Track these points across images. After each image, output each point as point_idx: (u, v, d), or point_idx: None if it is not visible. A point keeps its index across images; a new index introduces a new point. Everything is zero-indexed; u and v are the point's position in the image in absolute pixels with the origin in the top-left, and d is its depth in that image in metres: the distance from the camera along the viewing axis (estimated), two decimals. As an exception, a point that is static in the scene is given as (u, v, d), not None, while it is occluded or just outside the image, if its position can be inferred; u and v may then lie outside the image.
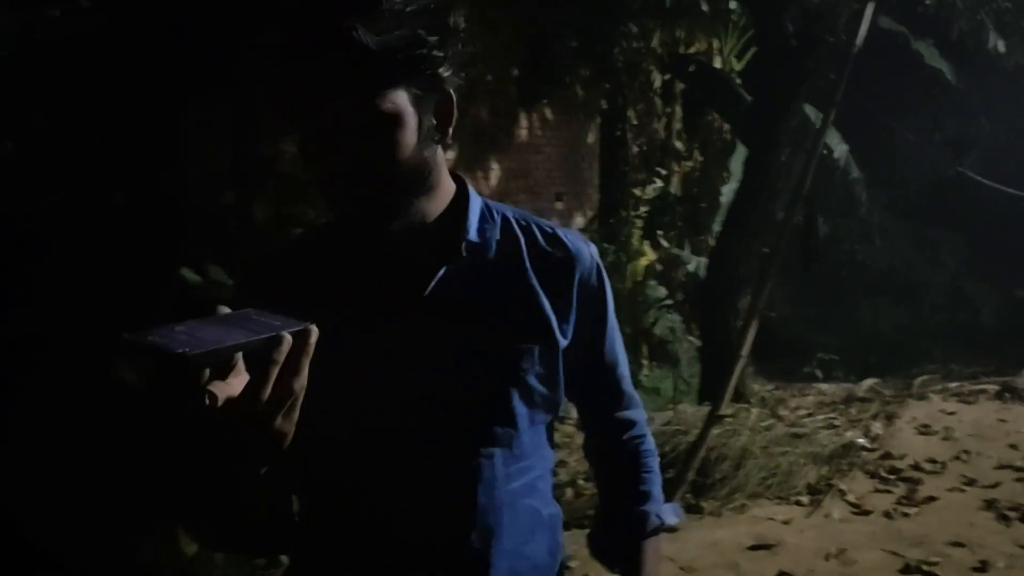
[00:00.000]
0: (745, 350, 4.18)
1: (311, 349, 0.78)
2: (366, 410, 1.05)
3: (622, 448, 1.27)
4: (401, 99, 0.97)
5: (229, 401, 0.74)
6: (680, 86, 7.28)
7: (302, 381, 0.78)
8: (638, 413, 1.29)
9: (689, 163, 7.64)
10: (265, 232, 3.79)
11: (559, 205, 6.45)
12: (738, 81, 6.73)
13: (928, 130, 10.58)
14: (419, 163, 1.00)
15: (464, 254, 1.08)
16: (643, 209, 6.80)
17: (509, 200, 5.54)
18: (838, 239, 9.75)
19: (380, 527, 1.06)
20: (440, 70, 0.99)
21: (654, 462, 1.28)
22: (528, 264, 1.12)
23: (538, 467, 1.14)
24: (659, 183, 7.13)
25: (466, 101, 4.99)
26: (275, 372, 0.75)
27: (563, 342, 1.11)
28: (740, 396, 5.05)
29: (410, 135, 0.98)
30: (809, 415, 5.41)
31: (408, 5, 0.95)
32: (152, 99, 3.86)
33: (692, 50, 7.21)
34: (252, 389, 0.75)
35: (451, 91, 1.02)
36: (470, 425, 1.07)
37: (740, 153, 6.32)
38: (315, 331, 0.78)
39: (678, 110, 7.46)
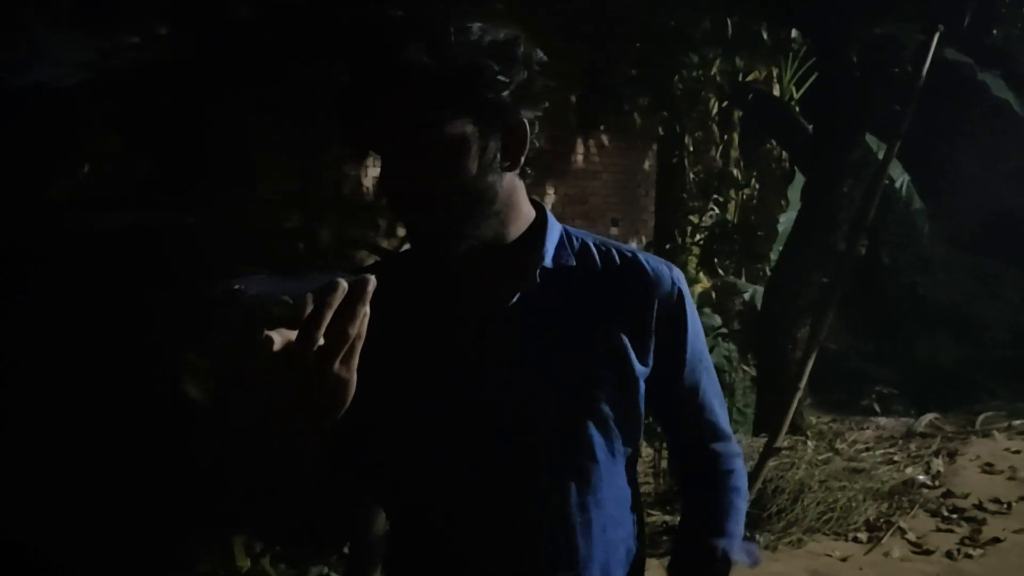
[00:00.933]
0: (803, 382, 4.12)
1: (367, 297, 0.77)
2: (441, 437, 1.05)
3: (702, 480, 1.25)
4: (463, 126, 0.98)
5: (288, 348, 0.75)
6: (738, 113, 7.24)
7: (357, 327, 0.77)
8: (726, 446, 1.26)
9: (747, 191, 7.57)
10: (329, 255, 3.84)
11: (614, 231, 6.43)
12: (797, 109, 6.67)
13: (992, 161, 10.36)
14: (482, 188, 1.00)
15: (538, 280, 1.08)
16: (699, 236, 6.75)
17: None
18: (898, 271, 9.56)
19: (462, 554, 1.07)
20: (505, 97, 0.99)
21: (735, 497, 1.25)
22: (605, 290, 1.11)
23: (619, 499, 1.13)
24: (716, 211, 7.08)
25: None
26: (327, 314, 0.75)
27: (641, 370, 1.10)
28: (796, 428, 4.97)
29: (471, 161, 0.99)
30: (867, 449, 5.30)
31: (474, 35, 0.97)
32: (221, 123, 3.95)
33: (751, 78, 7.16)
34: (306, 330, 0.75)
35: (523, 120, 1.02)
36: (545, 454, 1.06)
37: (799, 181, 6.23)
38: (372, 280, 0.77)
39: (736, 138, 7.41)
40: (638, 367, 1.10)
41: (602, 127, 6.12)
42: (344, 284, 0.77)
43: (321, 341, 0.77)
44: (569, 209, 5.96)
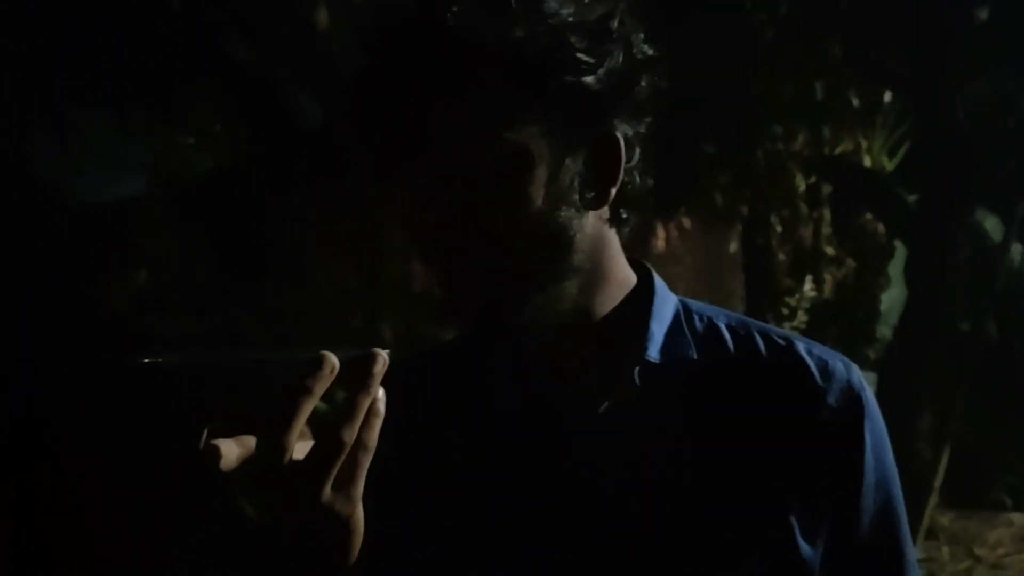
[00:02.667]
0: (937, 482, 3.62)
1: (374, 381, 0.52)
2: None
3: None
4: (527, 131, 0.67)
5: (249, 462, 0.50)
6: (827, 188, 6.93)
7: (357, 431, 0.52)
8: None
9: (842, 269, 7.20)
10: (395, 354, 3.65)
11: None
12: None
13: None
14: (552, 230, 0.68)
15: (637, 383, 0.73)
16: (796, 321, 6.41)
17: None
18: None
19: None
20: (590, 84, 0.68)
21: None
22: (744, 400, 0.75)
23: None
24: (810, 291, 6.75)
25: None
26: (305, 406, 0.50)
27: (808, 552, 0.72)
28: (928, 532, 4.46)
29: (536, 187, 0.68)
30: (1007, 555, 4.74)
31: (547, 4, 0.66)
32: (280, 221, 3.84)
33: (838, 151, 6.88)
34: (272, 435, 0.50)
35: (617, 134, 0.70)
36: None
37: (900, 256, 5.89)
38: (381, 357, 0.53)
39: (826, 214, 7.07)
40: (804, 547, 0.71)
41: (682, 209, 5.86)
42: (333, 361, 0.51)
43: (299, 452, 0.51)
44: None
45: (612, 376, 0.74)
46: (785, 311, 6.45)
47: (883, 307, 6.25)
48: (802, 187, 7.00)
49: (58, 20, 3.13)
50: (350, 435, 0.52)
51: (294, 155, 3.76)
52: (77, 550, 2.99)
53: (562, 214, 0.68)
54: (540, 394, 0.75)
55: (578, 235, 0.70)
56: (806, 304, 6.62)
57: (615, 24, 0.68)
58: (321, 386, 0.52)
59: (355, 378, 0.53)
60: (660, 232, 5.94)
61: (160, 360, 0.51)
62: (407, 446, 0.63)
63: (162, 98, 3.55)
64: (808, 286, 6.75)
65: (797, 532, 0.71)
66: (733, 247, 6.57)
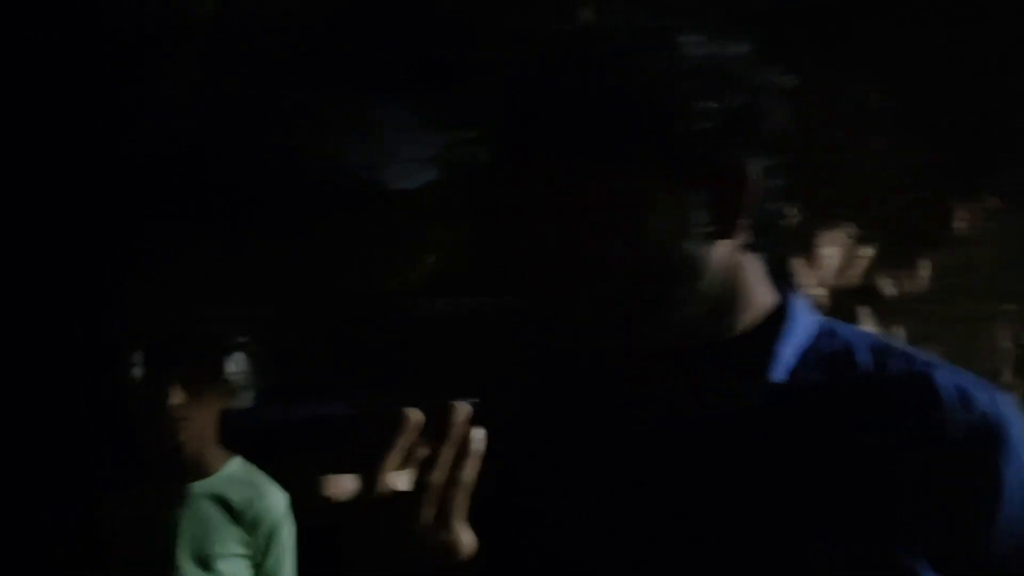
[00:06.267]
0: None
1: (456, 431, 0.60)
2: None
3: None
4: (638, 175, 0.72)
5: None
6: None
7: (440, 474, 0.60)
8: None
9: None
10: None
11: (1006, 307, 5.54)
12: None
13: None
14: (675, 259, 0.73)
15: (757, 401, 0.74)
16: None
17: (943, 303, 4.91)
18: None
19: None
20: (706, 131, 0.71)
21: None
22: (865, 427, 0.73)
23: None
24: None
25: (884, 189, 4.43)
26: (390, 456, 0.59)
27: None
28: None
29: (648, 222, 0.74)
30: None
31: (664, 45, 0.69)
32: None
33: None
34: (366, 476, 0.58)
35: (742, 167, 0.74)
36: None
37: None
38: (461, 409, 0.61)
39: None
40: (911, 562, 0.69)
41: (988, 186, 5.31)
42: (416, 417, 0.60)
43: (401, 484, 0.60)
44: (949, 284, 5.18)
45: (736, 396, 0.75)
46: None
47: None
48: None
49: (357, 19, 3.42)
50: (438, 477, 0.61)
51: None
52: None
53: (685, 244, 0.72)
54: (663, 412, 0.76)
55: (705, 263, 0.74)
56: None
57: (741, 66, 0.71)
58: (406, 439, 0.59)
59: (440, 428, 0.60)
60: (961, 211, 5.41)
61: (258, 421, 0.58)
62: (529, 468, 0.68)
63: (447, 95, 3.78)
64: None
65: (919, 568, 0.68)
66: (1050, 230, 5.85)
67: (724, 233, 0.76)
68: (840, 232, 4.49)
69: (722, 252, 0.76)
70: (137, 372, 2.59)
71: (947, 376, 0.75)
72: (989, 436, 0.72)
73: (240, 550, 2.57)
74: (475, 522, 0.66)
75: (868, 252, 4.58)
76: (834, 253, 4.40)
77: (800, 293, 0.81)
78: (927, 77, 4.68)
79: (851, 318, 4.47)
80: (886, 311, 4.67)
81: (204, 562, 2.53)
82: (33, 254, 3.49)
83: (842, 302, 4.53)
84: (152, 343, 2.61)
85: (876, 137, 4.68)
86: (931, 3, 4.47)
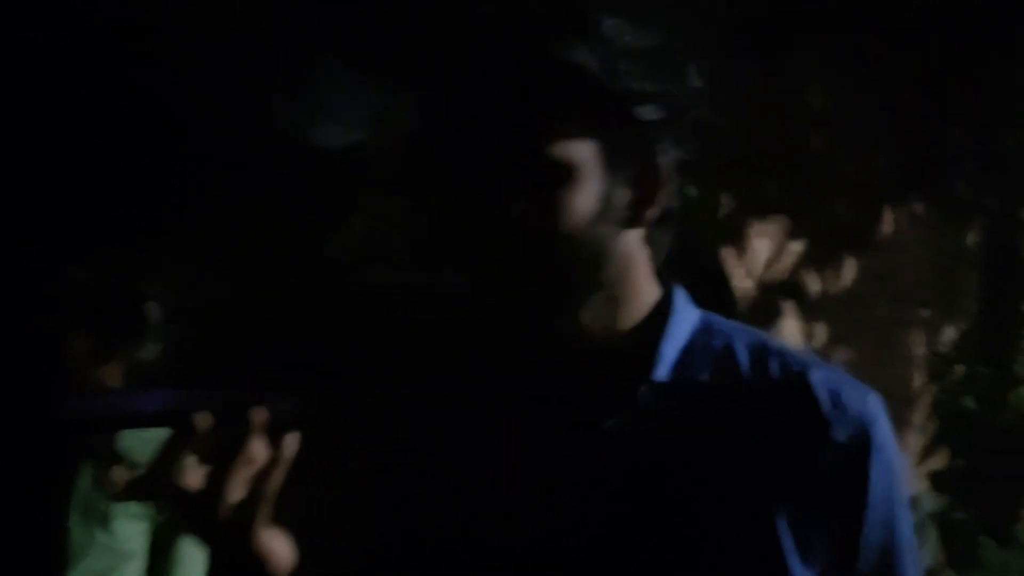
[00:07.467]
0: None
1: (237, 444, 0.60)
2: None
3: None
4: (585, 149, 0.74)
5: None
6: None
7: (225, 477, 0.61)
8: None
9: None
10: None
11: (923, 313, 5.69)
12: None
13: None
14: (589, 244, 0.75)
15: (642, 400, 0.74)
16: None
17: (863, 305, 5.06)
18: None
19: None
20: (649, 119, 0.74)
21: None
22: (744, 425, 0.75)
23: None
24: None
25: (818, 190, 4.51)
26: (171, 460, 0.60)
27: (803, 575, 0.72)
28: None
29: (585, 200, 0.75)
30: None
31: (618, 33, 0.72)
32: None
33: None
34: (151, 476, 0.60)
35: (662, 160, 0.77)
36: None
37: None
38: (259, 416, 0.59)
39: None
40: (799, 571, 0.72)
41: (917, 195, 5.47)
42: (204, 422, 0.59)
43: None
44: (870, 287, 5.33)
45: (620, 394, 0.75)
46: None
47: None
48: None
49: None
50: (235, 481, 0.63)
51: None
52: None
53: (602, 228, 0.74)
54: (550, 408, 0.77)
55: (610, 252, 0.76)
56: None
57: (675, 60, 0.73)
58: (200, 441, 0.61)
59: (244, 433, 0.62)
60: (888, 218, 5.56)
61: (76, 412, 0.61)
62: (417, 459, 0.69)
63: (387, 56, 3.71)
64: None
65: (794, 562, 0.72)
66: (973, 242, 6.01)
67: (635, 221, 0.77)
68: (771, 226, 4.56)
69: (626, 241, 0.77)
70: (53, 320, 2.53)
71: (821, 377, 0.78)
72: (857, 439, 0.75)
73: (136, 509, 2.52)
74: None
75: (796, 248, 4.66)
76: (764, 246, 4.47)
77: (679, 287, 0.82)
78: (868, 83, 4.77)
79: (774, 312, 4.55)
80: (807, 308, 4.77)
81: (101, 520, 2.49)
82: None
83: (767, 296, 4.60)
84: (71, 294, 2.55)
85: (816, 138, 4.75)
86: (875, 12, 4.54)
